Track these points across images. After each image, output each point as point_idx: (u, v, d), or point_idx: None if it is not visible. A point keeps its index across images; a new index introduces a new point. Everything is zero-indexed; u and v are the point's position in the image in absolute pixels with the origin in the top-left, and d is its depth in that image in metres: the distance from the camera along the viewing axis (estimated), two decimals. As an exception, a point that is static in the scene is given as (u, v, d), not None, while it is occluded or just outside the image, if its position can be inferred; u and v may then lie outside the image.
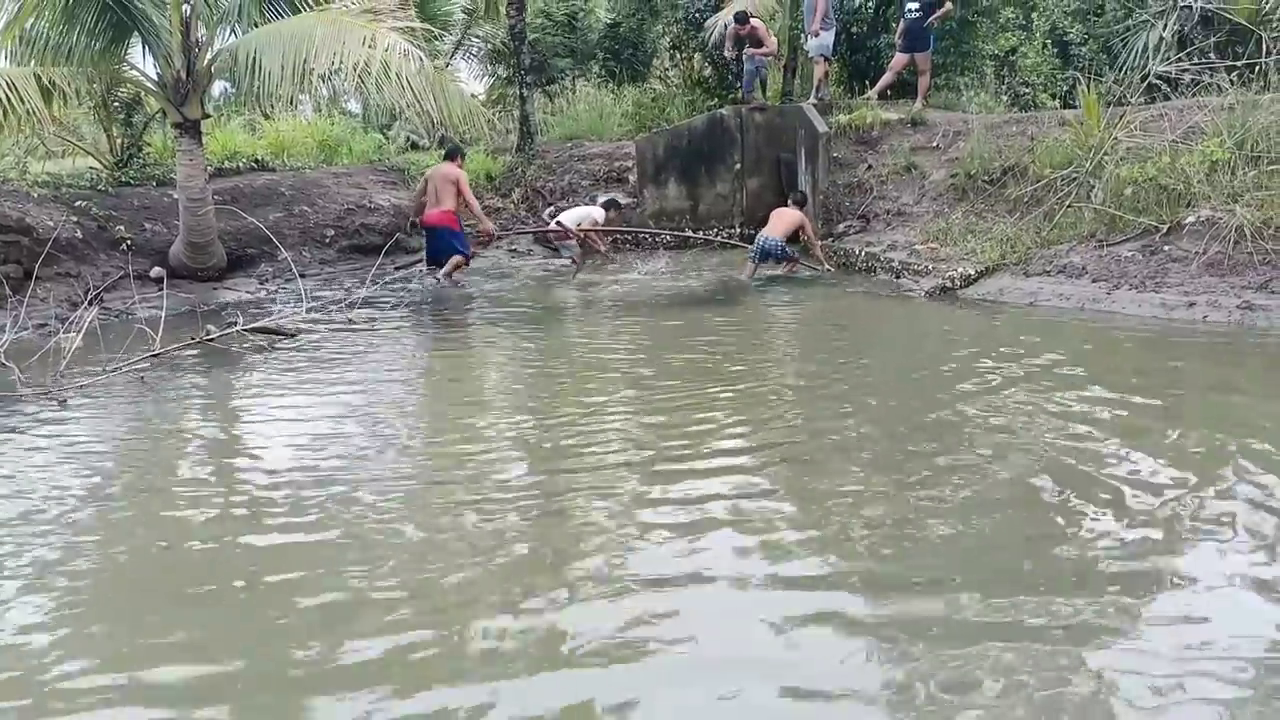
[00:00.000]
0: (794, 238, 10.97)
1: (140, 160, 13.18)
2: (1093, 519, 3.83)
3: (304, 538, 3.98)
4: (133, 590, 3.66)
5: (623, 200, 13.07)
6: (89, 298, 9.22)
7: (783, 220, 10.95)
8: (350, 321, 8.75)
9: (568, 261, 12.28)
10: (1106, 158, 9.42)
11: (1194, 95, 10.16)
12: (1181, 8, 11.96)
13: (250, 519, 4.23)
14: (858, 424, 5.28)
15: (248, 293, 10.78)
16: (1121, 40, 13.58)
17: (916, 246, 10.46)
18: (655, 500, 4.22)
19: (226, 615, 3.39)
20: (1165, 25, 11.98)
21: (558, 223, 12.17)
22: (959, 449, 4.74)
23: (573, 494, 4.37)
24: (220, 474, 4.97)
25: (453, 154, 11.46)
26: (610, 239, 12.80)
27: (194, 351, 7.53)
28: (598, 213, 12.28)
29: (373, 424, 5.66)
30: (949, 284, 9.07)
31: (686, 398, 5.91)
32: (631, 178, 14.10)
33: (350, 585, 3.52)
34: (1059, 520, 3.86)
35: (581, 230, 11.87)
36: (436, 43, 17.96)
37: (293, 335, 8.17)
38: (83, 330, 7.40)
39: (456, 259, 11.03)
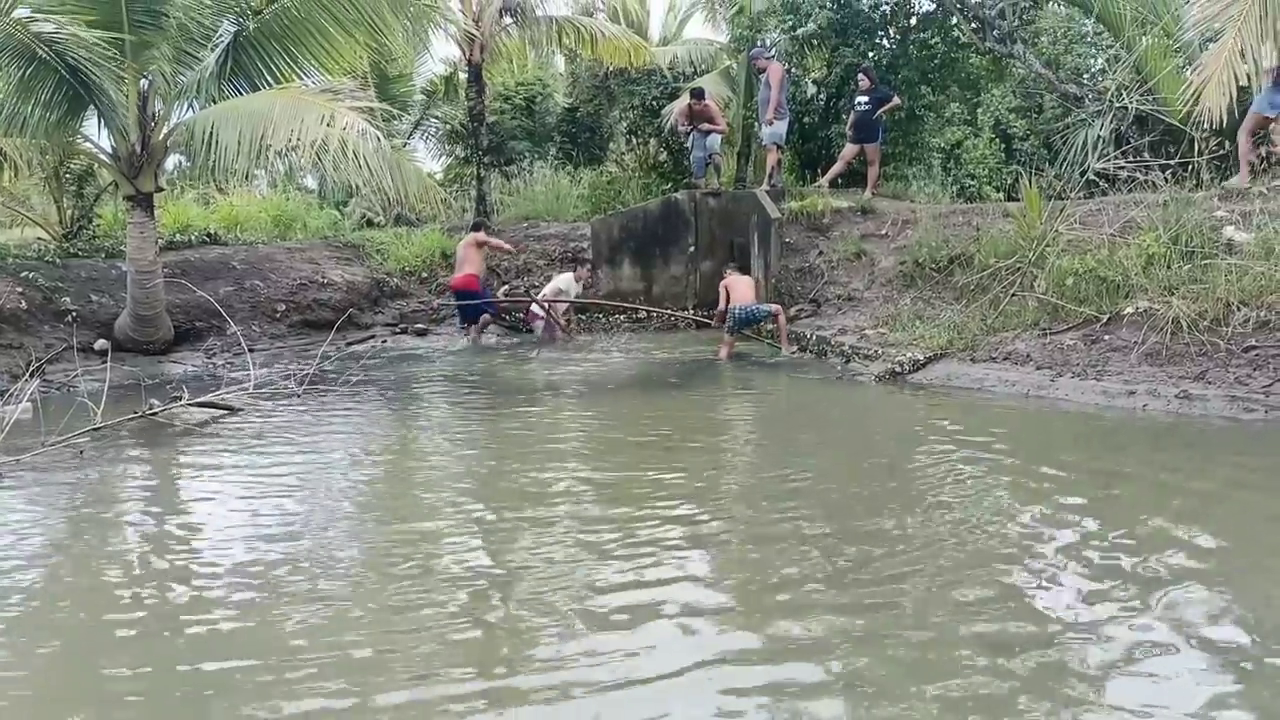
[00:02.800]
0: None
1: (90, 232, 13.09)
2: (1033, 599, 3.85)
3: (241, 623, 3.86)
4: (55, 676, 3.53)
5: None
6: (30, 369, 9.04)
7: (750, 285, 11.49)
8: (298, 397, 8.64)
9: (534, 338, 12.53)
10: (1049, 249, 9.68)
11: (1130, 191, 10.51)
12: (1117, 108, 12.44)
13: (185, 602, 4.10)
14: (808, 512, 5.27)
15: (194, 366, 10.64)
16: (1061, 137, 14.06)
17: (866, 331, 10.61)
18: (603, 589, 4.14)
19: (154, 706, 3.27)
20: (1102, 124, 12.44)
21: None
22: (908, 537, 4.74)
23: (521, 582, 4.30)
24: (156, 554, 4.83)
25: (478, 226, 13.35)
26: (568, 319, 12.96)
27: (136, 426, 7.39)
28: (563, 281, 12.62)
29: (315, 503, 5.55)
30: (898, 369, 9.19)
31: (636, 484, 5.87)
32: (587, 258, 14.24)
33: (289, 669, 3.42)
34: (1009, 605, 3.87)
35: (548, 301, 12.29)
36: (395, 122, 18.17)
37: (238, 411, 8.05)
38: (23, 402, 7.24)
39: (485, 317, 12.72)
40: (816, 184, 14.31)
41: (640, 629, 3.72)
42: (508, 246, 13.42)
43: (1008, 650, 3.47)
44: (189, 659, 3.57)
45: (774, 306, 11.26)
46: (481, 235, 12.91)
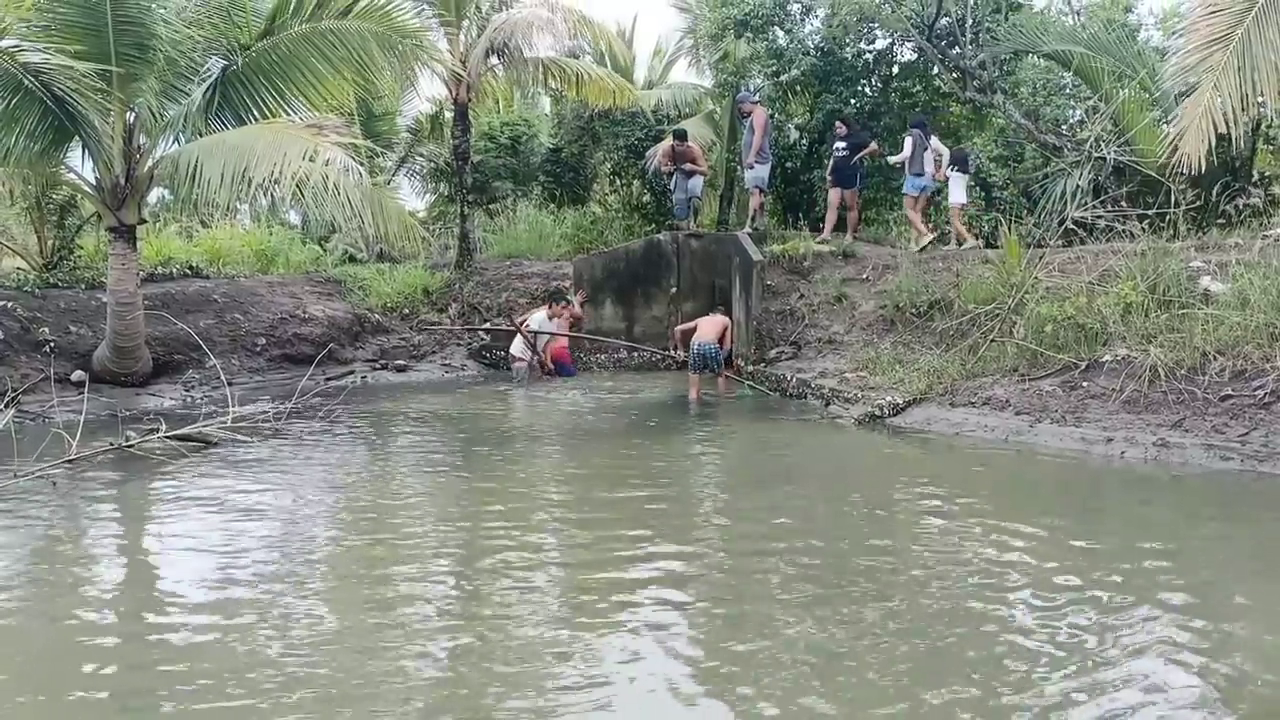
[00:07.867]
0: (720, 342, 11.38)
1: (71, 263, 13.01)
2: (1012, 651, 3.84)
3: (208, 665, 3.77)
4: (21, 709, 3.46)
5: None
6: (5, 400, 8.93)
7: (714, 325, 11.42)
8: (277, 432, 8.56)
9: (514, 374, 12.55)
10: (1028, 296, 9.77)
11: (1108, 240, 10.63)
12: (1096, 158, 12.61)
13: (153, 640, 4.04)
14: (786, 563, 5.24)
15: (172, 399, 10.56)
16: (1041, 186, 14.22)
17: (847, 374, 10.64)
18: (576, 648, 4.02)
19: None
20: (1081, 174, 12.58)
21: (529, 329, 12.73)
22: (889, 586, 4.73)
23: (492, 626, 4.25)
24: (124, 589, 4.76)
25: (555, 296, 13.49)
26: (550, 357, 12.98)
27: (112, 458, 7.30)
28: (535, 320, 12.64)
29: (287, 542, 5.48)
30: (878, 412, 9.22)
31: (615, 532, 5.77)
32: (566, 291, 14.25)
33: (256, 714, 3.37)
34: (986, 661, 3.86)
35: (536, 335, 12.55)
36: (380, 159, 18.24)
37: (216, 444, 7.98)
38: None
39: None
40: (821, 238, 14.01)
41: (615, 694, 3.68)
42: (569, 317, 13.44)
43: (986, 692, 3.46)
44: (154, 700, 3.51)
45: (727, 357, 11.35)
46: (555, 310, 13.18)
